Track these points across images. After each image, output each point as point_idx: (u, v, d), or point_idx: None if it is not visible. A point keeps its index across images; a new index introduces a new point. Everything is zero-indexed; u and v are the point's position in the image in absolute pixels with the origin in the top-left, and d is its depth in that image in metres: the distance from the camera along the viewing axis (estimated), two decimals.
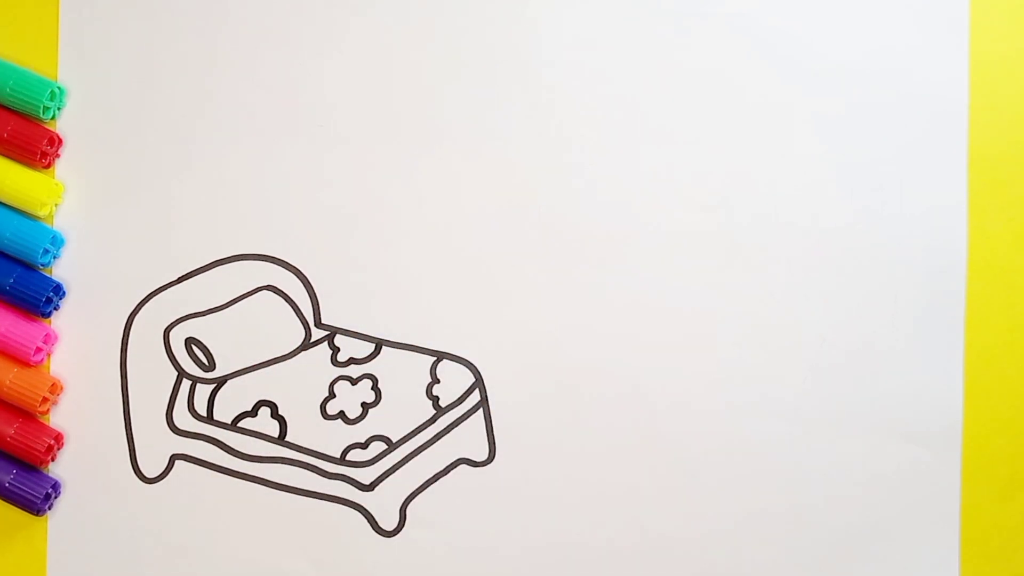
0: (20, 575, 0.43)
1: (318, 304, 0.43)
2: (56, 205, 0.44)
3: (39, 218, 0.44)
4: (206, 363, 0.43)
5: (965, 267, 0.43)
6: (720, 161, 0.43)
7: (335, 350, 0.43)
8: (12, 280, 0.43)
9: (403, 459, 0.43)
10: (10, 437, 0.42)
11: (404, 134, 0.43)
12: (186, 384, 0.44)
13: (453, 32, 0.43)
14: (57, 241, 0.43)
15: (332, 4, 0.44)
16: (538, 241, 0.43)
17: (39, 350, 0.43)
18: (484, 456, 0.43)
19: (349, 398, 0.43)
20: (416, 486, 0.43)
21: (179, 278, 0.44)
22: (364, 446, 0.43)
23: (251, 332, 0.43)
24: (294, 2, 0.44)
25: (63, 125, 0.44)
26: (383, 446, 0.43)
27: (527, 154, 0.43)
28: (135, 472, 0.43)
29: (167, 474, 0.43)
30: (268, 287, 0.44)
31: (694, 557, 0.42)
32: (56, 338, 0.44)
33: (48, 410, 0.44)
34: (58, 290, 0.43)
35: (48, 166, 0.44)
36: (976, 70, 0.43)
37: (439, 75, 0.43)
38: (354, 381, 0.43)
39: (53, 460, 0.43)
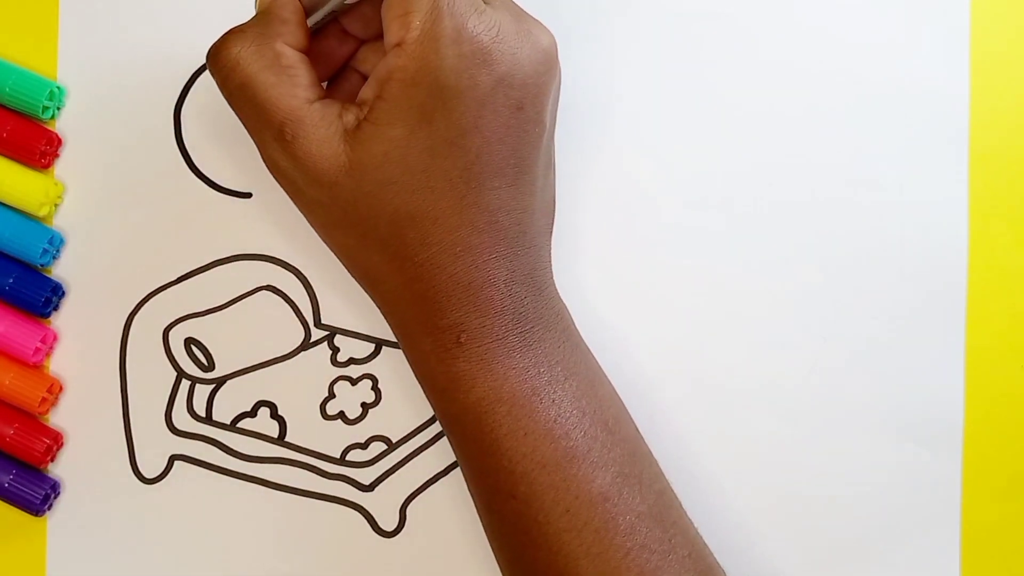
0: None
1: (318, 304, 0.43)
2: (55, 205, 0.44)
3: (38, 218, 0.43)
4: (205, 363, 0.43)
5: (966, 266, 0.43)
6: (719, 160, 0.43)
7: (335, 350, 0.43)
8: (11, 280, 0.42)
9: (403, 459, 0.43)
10: (9, 437, 0.42)
11: None
12: (185, 384, 0.44)
13: None
14: (56, 241, 0.43)
15: None
16: None
17: (38, 350, 0.43)
18: None
19: (349, 398, 0.43)
20: (416, 486, 0.43)
21: (178, 278, 0.44)
22: (364, 446, 0.43)
23: (250, 332, 0.43)
24: None
25: (62, 125, 0.44)
26: (383, 446, 0.43)
27: None
28: (134, 473, 0.43)
29: (166, 475, 0.43)
30: (268, 287, 0.43)
31: None
32: (55, 338, 0.44)
33: (47, 410, 0.43)
34: (57, 290, 0.43)
35: (47, 166, 0.44)
36: (977, 66, 0.43)
37: None
38: (354, 381, 0.43)
39: (52, 460, 0.43)
